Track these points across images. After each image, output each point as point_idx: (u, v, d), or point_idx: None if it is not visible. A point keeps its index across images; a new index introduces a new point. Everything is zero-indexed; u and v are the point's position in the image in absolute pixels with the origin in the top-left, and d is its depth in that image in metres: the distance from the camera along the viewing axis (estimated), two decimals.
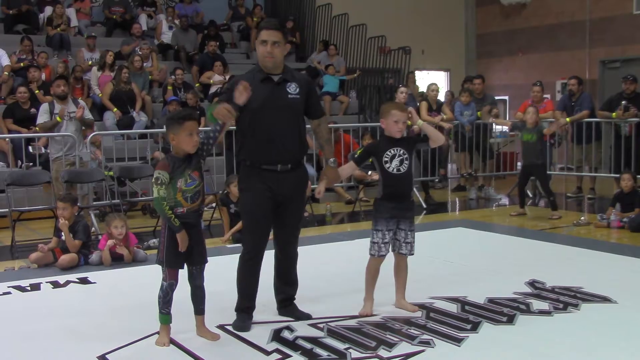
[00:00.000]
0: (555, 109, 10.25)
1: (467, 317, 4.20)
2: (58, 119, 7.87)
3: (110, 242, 5.84)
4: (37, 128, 8.05)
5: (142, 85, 10.84)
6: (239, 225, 6.89)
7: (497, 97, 12.11)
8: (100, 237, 6.41)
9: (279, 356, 3.57)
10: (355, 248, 6.22)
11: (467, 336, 3.86)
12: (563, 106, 10.13)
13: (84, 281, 5.34)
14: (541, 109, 10.06)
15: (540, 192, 9.39)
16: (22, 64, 10.51)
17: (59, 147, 7.91)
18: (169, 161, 3.68)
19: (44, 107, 8.13)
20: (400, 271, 4.30)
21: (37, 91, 9.79)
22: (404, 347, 3.68)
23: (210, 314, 3.96)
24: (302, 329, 3.87)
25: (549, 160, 9.95)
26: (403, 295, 4.33)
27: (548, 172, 10.12)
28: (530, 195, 9.25)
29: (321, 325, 4.01)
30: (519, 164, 10.66)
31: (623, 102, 9.40)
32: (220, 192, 7.70)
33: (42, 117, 8.02)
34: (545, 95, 10.90)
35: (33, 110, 9.25)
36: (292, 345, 3.71)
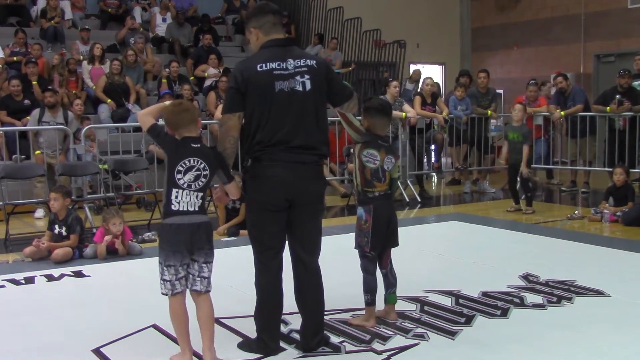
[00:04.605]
0: (549, 103, 10.27)
1: (461, 310, 4.22)
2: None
3: (107, 237, 5.83)
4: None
5: (136, 79, 10.81)
6: (235, 220, 6.92)
7: None
8: (95, 230, 6.40)
9: None
10: (350, 241, 6.23)
11: (461, 329, 3.88)
12: (557, 102, 10.14)
13: (78, 274, 5.34)
14: (535, 105, 10.11)
15: (535, 186, 9.42)
16: (14, 58, 10.47)
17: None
18: None
19: (34, 114, 8.67)
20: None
21: (34, 82, 9.77)
22: (398, 341, 3.69)
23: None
24: (296, 322, 3.86)
25: (543, 154, 9.97)
26: None
27: (545, 166, 10.22)
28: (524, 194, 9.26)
29: None
30: None
31: (617, 96, 9.41)
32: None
33: (30, 123, 8.64)
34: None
35: (27, 102, 9.25)
36: (287, 338, 3.71)
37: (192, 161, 3.30)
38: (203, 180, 3.32)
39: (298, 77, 3.40)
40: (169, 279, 3.29)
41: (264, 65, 3.37)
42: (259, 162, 3.40)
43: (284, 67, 3.39)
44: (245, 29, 3.66)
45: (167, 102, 3.49)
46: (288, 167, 3.37)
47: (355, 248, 3.97)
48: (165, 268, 3.29)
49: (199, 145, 3.35)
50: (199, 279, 3.35)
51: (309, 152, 3.42)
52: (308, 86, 3.42)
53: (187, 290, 3.39)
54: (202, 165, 3.31)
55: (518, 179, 8.19)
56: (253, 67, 3.38)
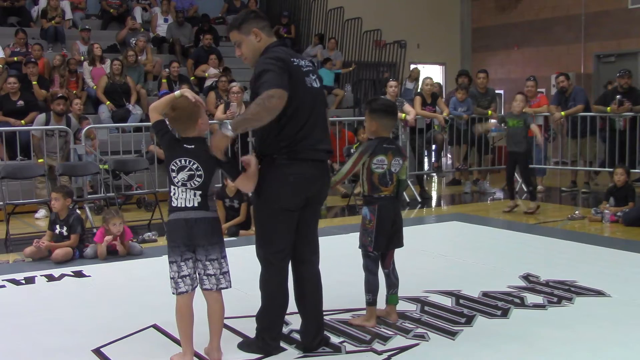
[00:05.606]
0: (549, 103, 10.27)
1: (462, 310, 4.22)
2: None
3: (108, 238, 5.82)
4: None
5: (137, 79, 10.82)
6: (235, 220, 6.90)
7: None
8: (95, 230, 6.40)
9: None
10: (350, 241, 6.24)
11: (462, 330, 3.87)
12: (557, 102, 10.14)
13: (78, 275, 5.34)
14: (535, 104, 10.10)
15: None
16: (15, 59, 10.47)
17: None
18: None
19: (39, 120, 8.52)
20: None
21: (34, 83, 9.77)
22: (398, 341, 3.69)
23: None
24: (296, 322, 3.86)
25: (544, 155, 9.96)
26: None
27: (544, 167, 10.21)
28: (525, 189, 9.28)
29: None
30: None
31: (618, 96, 9.41)
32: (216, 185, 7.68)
33: (36, 125, 8.49)
34: (540, 89, 10.91)
35: (20, 102, 9.19)
36: (287, 338, 3.71)
37: (183, 161, 3.29)
38: (198, 180, 3.29)
39: (311, 75, 3.45)
40: (172, 276, 3.29)
41: (293, 60, 3.39)
42: (284, 159, 3.33)
43: (302, 65, 3.43)
44: (238, 30, 3.49)
45: (177, 92, 3.45)
46: (312, 165, 3.38)
47: (359, 247, 3.98)
48: (169, 265, 3.30)
49: (193, 146, 3.32)
50: (205, 277, 3.33)
51: (323, 149, 3.44)
52: (318, 83, 3.49)
53: (199, 290, 3.36)
54: (194, 166, 3.29)
55: (517, 175, 8.16)
56: (289, 59, 3.36)
